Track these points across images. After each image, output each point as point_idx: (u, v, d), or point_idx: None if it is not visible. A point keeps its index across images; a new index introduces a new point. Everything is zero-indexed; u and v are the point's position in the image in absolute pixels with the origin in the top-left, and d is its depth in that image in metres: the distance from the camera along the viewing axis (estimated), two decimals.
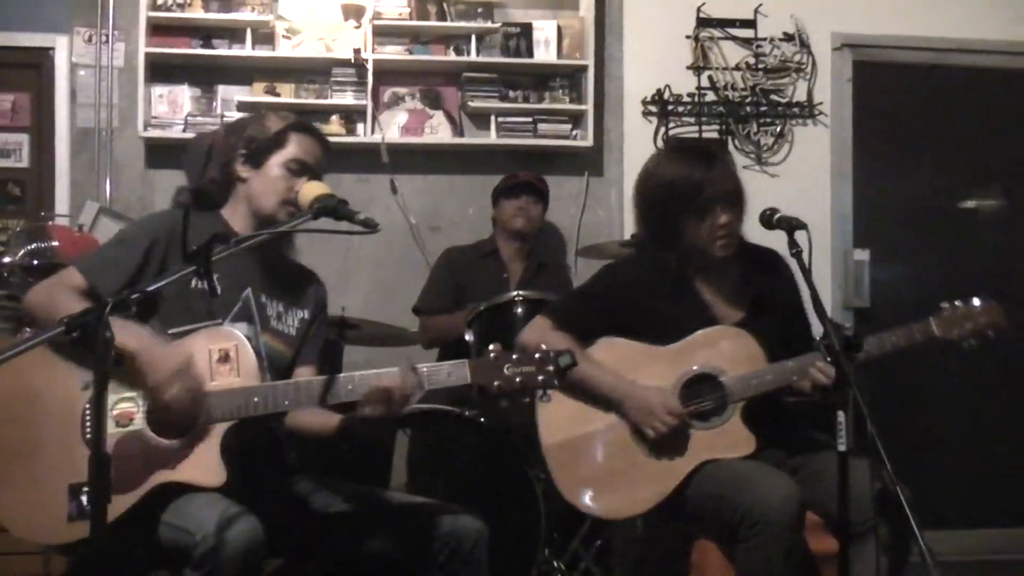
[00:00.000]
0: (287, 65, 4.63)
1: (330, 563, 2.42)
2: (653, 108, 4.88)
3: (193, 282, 2.31)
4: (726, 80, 4.91)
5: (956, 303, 2.71)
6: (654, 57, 4.89)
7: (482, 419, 3.58)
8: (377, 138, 4.59)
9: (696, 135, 4.85)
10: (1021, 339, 4.86)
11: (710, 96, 4.90)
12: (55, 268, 3.38)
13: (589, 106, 4.72)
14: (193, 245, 1.98)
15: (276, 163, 2.47)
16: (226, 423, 2.22)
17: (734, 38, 4.93)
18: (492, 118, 4.73)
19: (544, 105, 4.78)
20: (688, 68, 4.89)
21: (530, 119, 4.74)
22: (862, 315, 4.93)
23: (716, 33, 4.92)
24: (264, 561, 2.17)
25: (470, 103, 4.71)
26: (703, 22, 4.90)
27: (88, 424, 2.19)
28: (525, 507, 3.48)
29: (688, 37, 4.90)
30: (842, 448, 2.20)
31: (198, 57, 4.59)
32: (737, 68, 4.92)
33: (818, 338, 2.34)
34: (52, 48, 4.60)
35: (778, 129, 4.91)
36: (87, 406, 2.20)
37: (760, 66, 4.92)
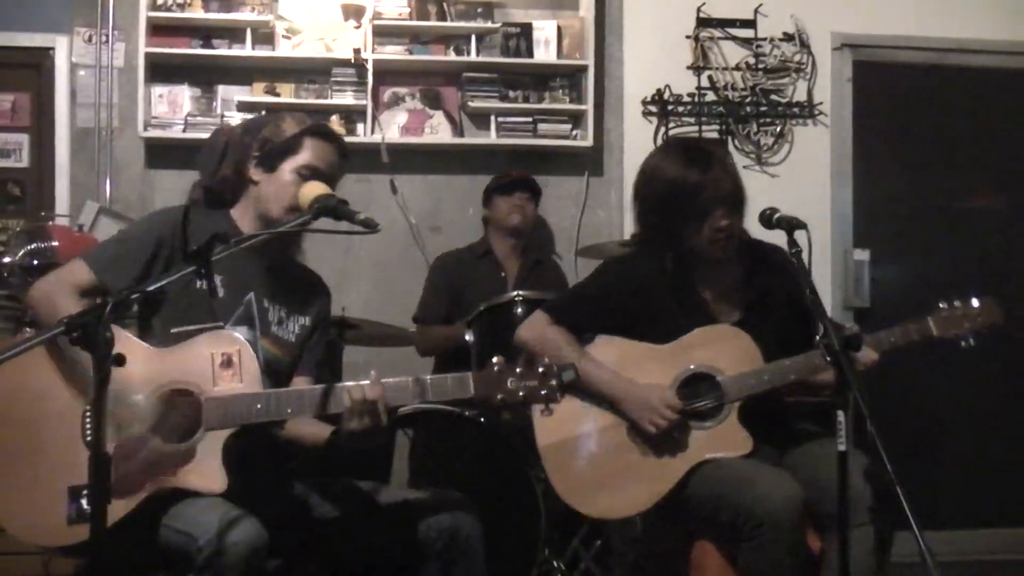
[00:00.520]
0: (287, 65, 4.63)
1: (329, 564, 2.42)
2: (653, 108, 4.88)
3: (197, 283, 2.31)
4: (726, 80, 4.91)
5: (954, 302, 2.71)
6: (654, 57, 4.89)
7: (482, 419, 3.58)
8: (377, 138, 4.59)
9: (696, 135, 4.85)
10: (1021, 339, 4.90)
11: (710, 96, 4.90)
12: (55, 268, 3.38)
13: (589, 106, 4.72)
14: (195, 245, 1.98)
15: (288, 168, 2.43)
16: (228, 430, 2.21)
17: (734, 38, 4.93)
18: (492, 118, 4.74)
19: (544, 105, 4.78)
20: (688, 68, 4.89)
21: (530, 119, 4.74)
22: (862, 315, 4.93)
23: (716, 33, 4.92)
24: (266, 563, 2.16)
25: (470, 103, 4.71)
26: (703, 22, 4.90)
27: (89, 425, 2.19)
28: (525, 507, 3.48)
29: (688, 37, 4.90)
30: (842, 448, 2.20)
31: (198, 57, 4.59)
32: (737, 68, 4.92)
33: (818, 338, 2.33)
34: (52, 48, 4.61)
35: (778, 129, 4.91)
36: (88, 408, 2.20)
37: (760, 66, 4.93)
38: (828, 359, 2.26)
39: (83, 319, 1.78)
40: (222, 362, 2.25)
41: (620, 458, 2.70)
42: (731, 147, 4.89)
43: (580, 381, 2.64)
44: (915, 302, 5.00)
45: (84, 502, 2.12)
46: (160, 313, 2.36)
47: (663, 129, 4.87)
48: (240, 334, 2.34)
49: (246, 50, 4.57)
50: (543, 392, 2.21)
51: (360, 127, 4.63)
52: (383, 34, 4.65)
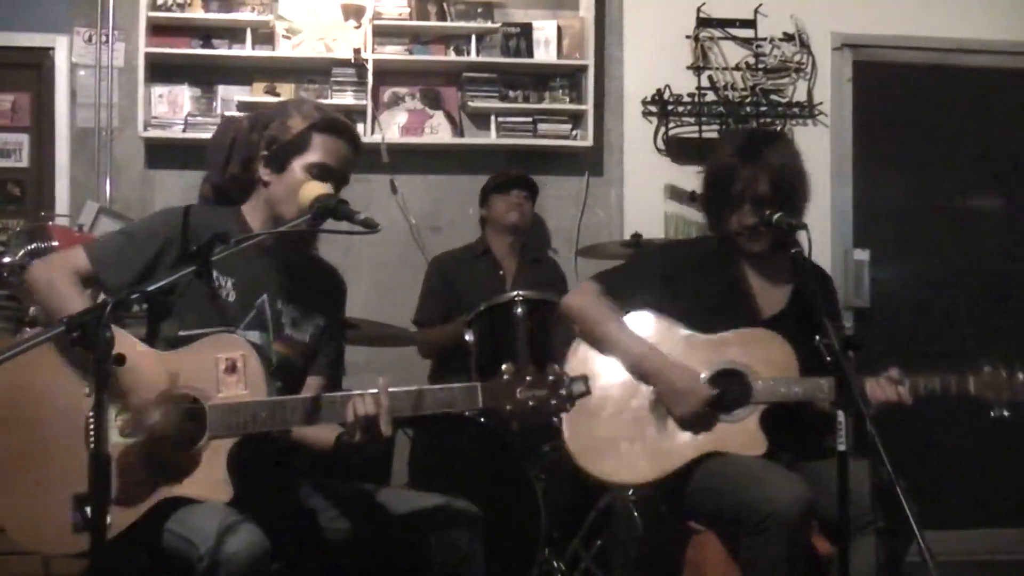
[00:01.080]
0: (287, 65, 4.63)
1: (331, 572, 2.39)
2: (653, 108, 4.88)
3: (206, 287, 2.29)
4: (726, 80, 4.91)
5: (1000, 369, 2.67)
6: (654, 57, 4.89)
7: (482, 419, 3.58)
8: (377, 138, 4.59)
9: (696, 136, 4.85)
10: (1021, 338, 4.89)
11: (710, 96, 4.90)
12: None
13: (589, 106, 4.72)
14: (197, 244, 1.95)
15: (298, 167, 2.36)
16: (232, 438, 2.19)
17: (734, 38, 4.93)
18: (492, 118, 4.74)
19: (544, 105, 4.78)
20: (688, 68, 4.89)
21: (530, 119, 4.74)
22: (862, 315, 4.93)
23: (716, 33, 4.92)
24: (269, 568, 2.13)
25: (470, 103, 4.71)
26: (703, 22, 4.90)
27: (92, 428, 2.17)
28: (525, 507, 3.47)
29: (688, 37, 4.90)
30: (842, 448, 2.20)
31: (198, 57, 4.59)
32: (737, 68, 4.92)
33: (818, 338, 2.33)
34: (52, 48, 4.61)
35: (778, 129, 4.91)
36: (91, 413, 2.17)
37: (760, 66, 4.92)
38: (828, 359, 2.26)
39: (83, 319, 1.77)
40: (226, 367, 2.21)
41: (636, 428, 2.71)
42: None
43: (615, 344, 2.71)
44: (915, 302, 5.07)
45: (89, 510, 2.10)
46: (170, 319, 2.32)
47: (663, 129, 4.87)
48: (253, 338, 2.32)
49: (246, 50, 4.57)
50: (553, 402, 2.18)
51: (360, 127, 4.62)
52: (383, 34, 4.65)
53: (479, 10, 4.71)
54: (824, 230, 4.86)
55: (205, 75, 4.62)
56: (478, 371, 3.72)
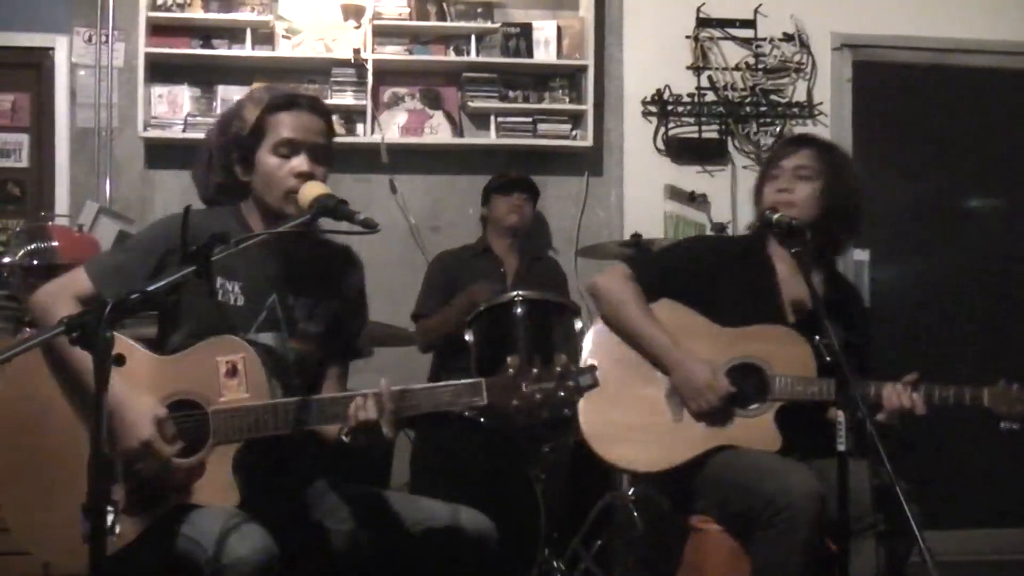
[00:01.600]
0: (287, 65, 4.63)
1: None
2: (653, 108, 4.88)
3: (220, 293, 2.27)
4: (726, 80, 4.91)
5: (1015, 385, 2.68)
6: (654, 57, 4.89)
7: (482, 419, 3.58)
8: (377, 138, 4.59)
9: (696, 136, 4.85)
10: (1021, 338, 4.90)
11: (710, 96, 4.90)
12: (55, 268, 3.38)
13: (589, 106, 4.72)
14: (195, 246, 1.92)
15: (265, 154, 2.31)
16: (236, 443, 2.18)
17: (734, 38, 4.93)
18: (492, 118, 4.74)
19: (544, 105, 4.78)
20: (688, 68, 4.89)
21: (530, 119, 4.74)
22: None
23: (716, 33, 4.92)
24: (276, 570, 2.10)
25: (470, 103, 4.71)
26: (703, 22, 4.90)
27: None
28: (525, 507, 3.47)
29: (688, 37, 4.90)
30: (841, 448, 2.21)
31: (198, 57, 4.59)
32: (737, 68, 4.92)
33: (817, 338, 2.33)
34: (52, 48, 4.60)
35: (778, 129, 4.91)
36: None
37: (760, 66, 4.93)
38: (828, 359, 2.27)
39: (82, 319, 1.76)
40: (227, 371, 2.19)
41: (651, 416, 2.72)
42: (731, 147, 4.90)
43: (638, 334, 2.73)
44: (915, 302, 5.07)
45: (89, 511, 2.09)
46: (179, 328, 2.30)
47: (663, 129, 4.87)
48: (267, 339, 2.30)
49: (246, 50, 4.57)
50: (561, 394, 2.12)
51: (360, 127, 4.63)
52: (383, 34, 4.65)
53: (479, 10, 4.71)
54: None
55: (205, 75, 4.62)
56: (478, 371, 3.72)
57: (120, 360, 1.78)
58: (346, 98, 4.59)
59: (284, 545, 2.10)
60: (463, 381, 2.17)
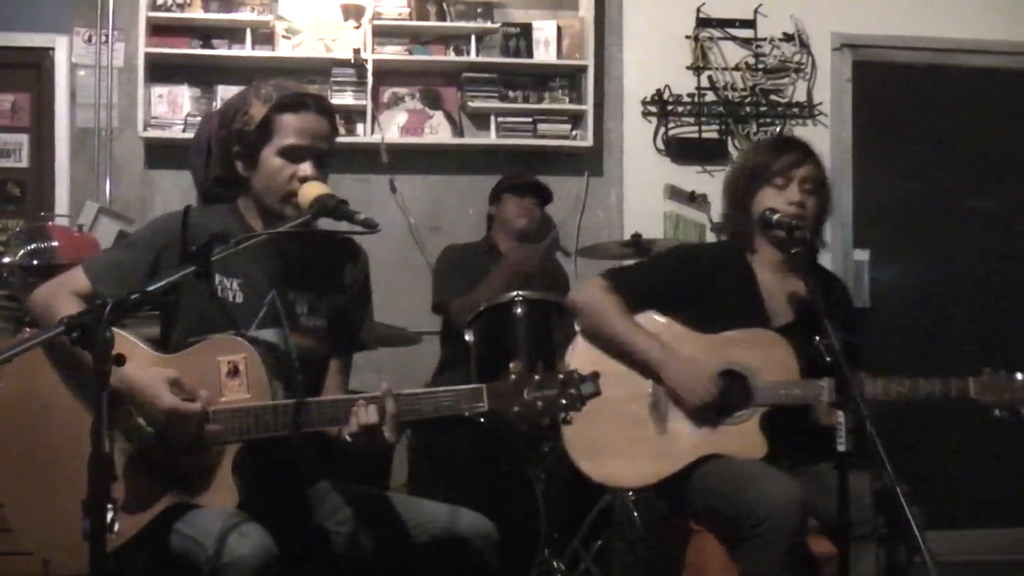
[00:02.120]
0: (287, 65, 4.62)
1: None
2: (653, 108, 4.88)
3: (219, 290, 2.26)
4: (726, 80, 4.91)
5: (1000, 372, 2.68)
6: (654, 57, 4.89)
7: (482, 419, 3.58)
8: (377, 138, 4.59)
9: (696, 136, 4.85)
10: (1020, 338, 4.89)
11: (710, 96, 4.90)
12: (55, 268, 3.38)
13: (589, 106, 4.72)
14: (195, 246, 1.92)
15: (270, 155, 2.28)
16: (237, 443, 2.17)
17: (734, 38, 4.93)
18: (492, 118, 4.73)
19: (544, 105, 4.78)
20: (688, 68, 4.90)
21: (530, 119, 4.74)
22: (862, 315, 4.92)
23: (716, 33, 4.92)
24: (276, 570, 2.10)
25: (470, 103, 4.71)
26: (703, 22, 4.90)
27: None
28: (525, 507, 3.48)
29: (688, 37, 4.90)
30: (841, 448, 2.20)
31: (198, 57, 4.59)
32: (737, 68, 4.92)
33: (817, 339, 2.33)
34: (52, 48, 4.60)
35: (778, 129, 4.91)
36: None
37: (760, 66, 4.93)
38: (828, 359, 2.26)
39: (82, 319, 1.76)
40: (228, 371, 2.18)
41: (636, 430, 2.71)
42: (731, 147, 4.89)
43: (621, 340, 2.71)
44: (915, 302, 5.07)
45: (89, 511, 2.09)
46: (179, 326, 2.30)
47: (663, 129, 4.88)
48: (268, 336, 2.30)
49: (246, 50, 4.57)
50: (563, 402, 2.11)
51: (360, 127, 4.63)
52: (383, 34, 4.65)
53: (479, 10, 4.71)
54: (824, 230, 4.86)
55: (205, 75, 4.62)
56: (478, 371, 3.72)
57: (120, 360, 1.78)
58: (346, 98, 4.59)
59: (284, 546, 2.10)
60: (464, 387, 2.16)
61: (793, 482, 2.51)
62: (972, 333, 4.99)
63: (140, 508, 2.15)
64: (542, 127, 4.74)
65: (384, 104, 4.71)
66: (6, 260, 3.71)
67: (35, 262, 3.68)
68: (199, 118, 4.49)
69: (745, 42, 4.94)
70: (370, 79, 4.58)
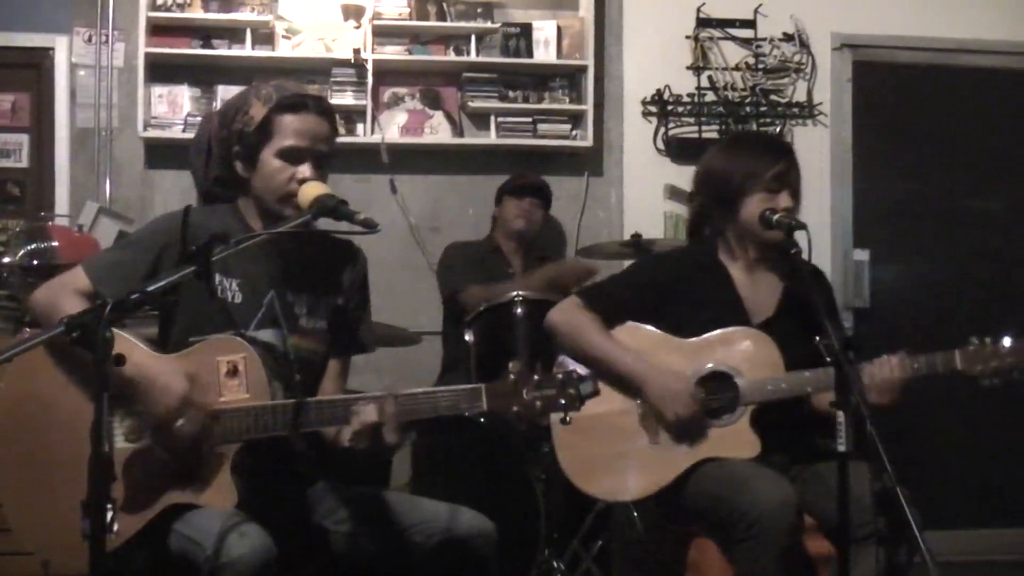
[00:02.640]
0: (287, 65, 4.62)
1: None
2: (653, 108, 4.88)
3: (219, 290, 2.25)
4: (726, 80, 4.91)
5: (985, 339, 2.63)
6: (654, 57, 4.89)
7: (482, 419, 3.58)
8: (377, 138, 4.59)
9: (696, 136, 4.85)
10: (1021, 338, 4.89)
11: (710, 96, 4.90)
12: (55, 268, 3.38)
13: (589, 106, 4.72)
14: (195, 246, 1.91)
15: (269, 156, 2.27)
16: (236, 444, 2.17)
17: (734, 38, 4.93)
18: (492, 118, 4.74)
19: (544, 105, 4.78)
20: (688, 68, 4.90)
21: (530, 119, 4.74)
22: (862, 315, 4.93)
23: (716, 33, 4.92)
24: (275, 570, 2.10)
25: (470, 103, 4.71)
26: (703, 22, 4.90)
27: None
28: (525, 507, 3.48)
29: (688, 37, 4.90)
30: (841, 448, 2.20)
31: (198, 57, 4.59)
32: (737, 68, 4.92)
33: (818, 339, 2.32)
34: (52, 48, 4.60)
35: (778, 129, 4.91)
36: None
37: (760, 66, 4.93)
38: (828, 359, 2.26)
39: (82, 319, 1.76)
40: (227, 371, 2.18)
41: (628, 443, 2.70)
42: None
43: (602, 358, 2.68)
44: (915, 302, 5.07)
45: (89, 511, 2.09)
46: (177, 326, 2.30)
47: (663, 129, 4.88)
48: (267, 336, 2.29)
49: (246, 50, 4.57)
50: (562, 402, 2.11)
51: (360, 127, 4.63)
52: (383, 34, 4.65)
53: (479, 10, 4.71)
54: (824, 230, 4.87)
55: (205, 75, 4.62)
56: (478, 371, 3.72)
57: (120, 360, 1.78)
58: (346, 98, 4.59)
59: (283, 546, 2.10)
60: (463, 387, 2.16)
61: (786, 483, 2.51)
62: (972, 333, 4.97)
63: (140, 508, 2.14)
64: (542, 127, 4.74)
65: (384, 104, 4.71)
66: (6, 260, 3.71)
67: (35, 262, 3.68)
68: (199, 118, 4.49)
69: (745, 42, 4.94)
70: (370, 79, 4.58)
